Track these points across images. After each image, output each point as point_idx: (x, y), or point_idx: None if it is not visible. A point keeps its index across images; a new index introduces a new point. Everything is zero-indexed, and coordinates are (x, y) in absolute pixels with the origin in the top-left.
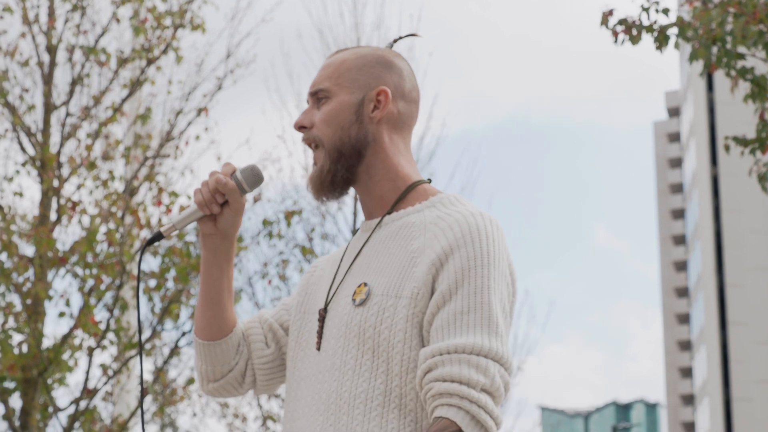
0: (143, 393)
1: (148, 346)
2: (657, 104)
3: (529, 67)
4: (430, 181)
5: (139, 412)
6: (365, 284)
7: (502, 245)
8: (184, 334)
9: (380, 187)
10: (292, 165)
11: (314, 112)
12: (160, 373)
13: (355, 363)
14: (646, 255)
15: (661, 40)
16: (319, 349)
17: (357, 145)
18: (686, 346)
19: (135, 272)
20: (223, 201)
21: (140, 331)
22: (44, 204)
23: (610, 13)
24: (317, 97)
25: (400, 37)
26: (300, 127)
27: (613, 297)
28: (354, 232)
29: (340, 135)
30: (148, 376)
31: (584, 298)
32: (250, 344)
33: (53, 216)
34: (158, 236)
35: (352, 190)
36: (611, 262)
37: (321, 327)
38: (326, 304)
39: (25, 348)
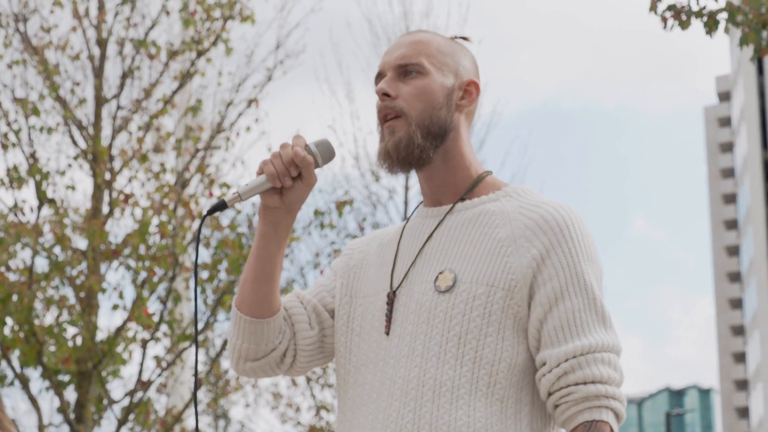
0: (197, 383)
1: (201, 337)
2: (693, 88)
3: (566, 51)
4: (491, 173)
5: (193, 403)
6: (449, 270)
7: (591, 238)
8: None
9: (453, 174)
10: (342, 155)
11: (399, 84)
12: (213, 364)
13: (440, 350)
14: (685, 242)
15: (711, 25)
16: (388, 333)
17: (443, 127)
18: (739, 331)
19: (188, 264)
20: (296, 174)
21: (195, 299)
22: (96, 197)
23: None
24: (406, 69)
25: (455, 38)
26: (384, 94)
27: (653, 284)
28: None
29: (430, 113)
30: (201, 368)
31: (623, 286)
32: (294, 324)
33: (105, 209)
34: (222, 205)
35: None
36: (650, 249)
37: (390, 310)
38: (395, 288)
39: (79, 341)
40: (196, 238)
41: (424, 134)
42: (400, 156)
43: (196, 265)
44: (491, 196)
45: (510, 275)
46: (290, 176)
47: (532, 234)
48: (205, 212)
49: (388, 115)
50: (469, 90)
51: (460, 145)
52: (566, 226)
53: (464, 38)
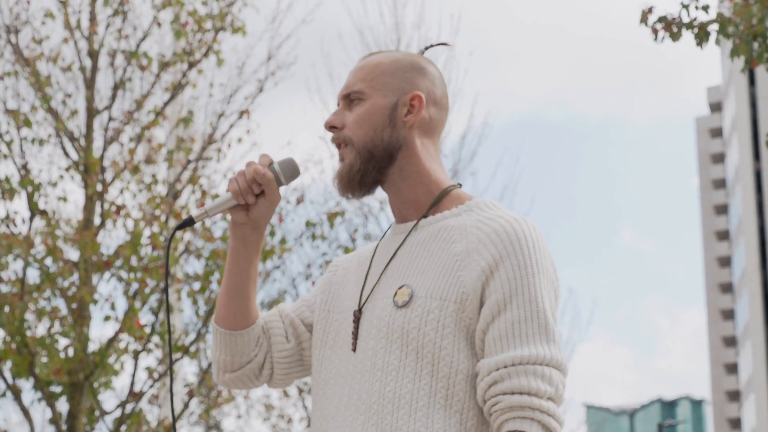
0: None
1: (193, 348)
2: (682, 98)
3: (554, 61)
4: (460, 186)
5: (185, 413)
6: (407, 286)
7: (546, 250)
8: None
9: (413, 191)
10: (334, 166)
11: (346, 113)
12: (205, 375)
13: (399, 364)
14: (674, 253)
15: (702, 37)
16: (354, 349)
17: (389, 147)
18: (731, 341)
19: (179, 275)
20: (259, 191)
21: (167, 302)
22: (88, 208)
23: (650, 11)
24: (350, 98)
25: (432, 45)
26: (330, 127)
27: (641, 295)
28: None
29: (372, 137)
30: (192, 379)
31: (611, 296)
32: (271, 337)
33: (97, 220)
34: (189, 221)
35: (379, 191)
36: (639, 260)
37: (356, 328)
38: (361, 305)
39: (71, 352)
40: (165, 255)
41: (365, 159)
42: (343, 183)
43: (166, 280)
44: (453, 210)
45: (461, 288)
46: (253, 193)
47: (483, 247)
48: (173, 229)
49: (338, 146)
50: (413, 104)
51: (417, 162)
52: (517, 239)
53: (444, 44)
